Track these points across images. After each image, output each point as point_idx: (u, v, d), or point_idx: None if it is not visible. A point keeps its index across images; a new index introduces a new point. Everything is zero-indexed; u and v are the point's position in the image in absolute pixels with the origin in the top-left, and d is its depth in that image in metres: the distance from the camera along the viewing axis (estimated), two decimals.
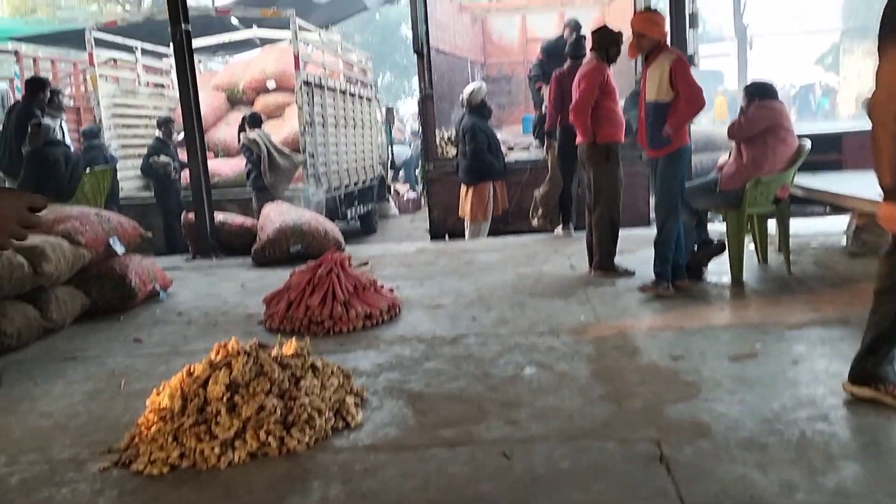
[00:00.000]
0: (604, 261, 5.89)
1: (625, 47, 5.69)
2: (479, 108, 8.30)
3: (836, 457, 2.70)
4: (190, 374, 3.22)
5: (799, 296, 5.01)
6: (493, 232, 8.50)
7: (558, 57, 9.55)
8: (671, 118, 5.08)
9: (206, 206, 7.92)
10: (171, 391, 3.17)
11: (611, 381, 3.60)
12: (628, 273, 5.81)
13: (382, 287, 5.33)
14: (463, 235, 8.82)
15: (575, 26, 9.97)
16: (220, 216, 8.19)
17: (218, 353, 3.32)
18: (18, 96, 10.56)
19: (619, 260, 5.96)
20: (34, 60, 12.97)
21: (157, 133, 10.06)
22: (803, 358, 3.80)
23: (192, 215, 8.05)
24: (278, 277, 5.79)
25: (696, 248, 5.59)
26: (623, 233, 6.04)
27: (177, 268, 7.33)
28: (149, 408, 3.17)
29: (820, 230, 7.12)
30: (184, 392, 3.13)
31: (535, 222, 7.87)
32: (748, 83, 6.09)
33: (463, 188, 8.49)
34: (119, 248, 5.73)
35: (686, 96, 5.04)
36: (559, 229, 7.89)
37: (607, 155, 5.85)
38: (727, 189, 5.38)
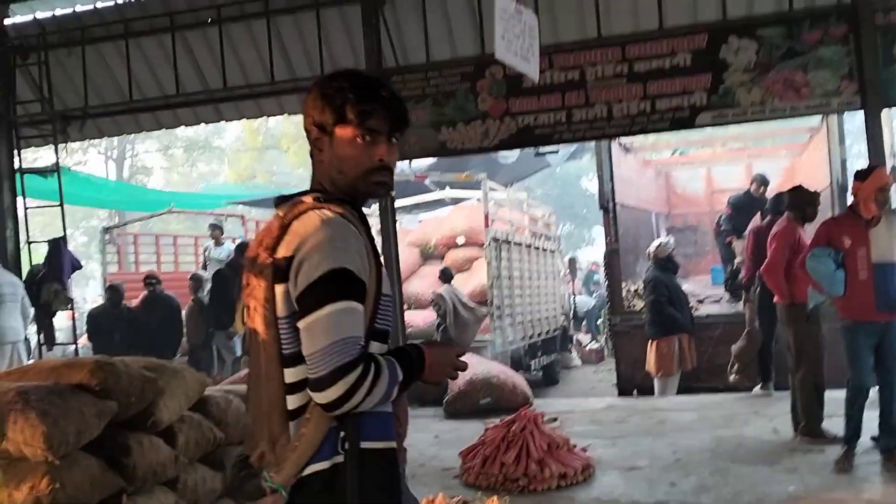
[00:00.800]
0: (810, 426, 5.60)
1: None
2: (664, 262, 8.34)
3: None
4: None
5: None
6: (685, 389, 8.28)
7: (746, 210, 9.52)
8: None
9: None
10: None
11: None
12: (838, 439, 5.46)
13: (575, 446, 5.34)
14: (652, 392, 8.65)
15: (762, 181, 9.93)
16: None
17: None
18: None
19: (828, 424, 5.63)
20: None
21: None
22: None
23: None
24: (471, 430, 5.95)
25: None
26: (830, 394, 5.73)
27: None
28: None
29: None
30: None
31: (731, 378, 7.62)
32: None
33: (649, 344, 8.44)
34: None
35: None
36: (758, 388, 7.58)
37: (807, 315, 5.68)
38: None
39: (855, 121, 10.16)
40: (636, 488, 4.73)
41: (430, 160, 14.03)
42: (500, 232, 10.96)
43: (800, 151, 13.00)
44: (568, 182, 32.48)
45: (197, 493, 4.22)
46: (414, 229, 13.57)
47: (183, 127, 10.18)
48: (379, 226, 8.17)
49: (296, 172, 24.91)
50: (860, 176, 5.12)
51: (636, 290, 10.46)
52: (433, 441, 6.49)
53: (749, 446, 5.62)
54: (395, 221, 8.53)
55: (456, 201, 13.81)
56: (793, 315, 5.73)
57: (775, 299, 5.96)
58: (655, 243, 8.69)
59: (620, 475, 5.08)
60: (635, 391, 9.20)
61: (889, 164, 7.39)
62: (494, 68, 7.70)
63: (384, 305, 1.76)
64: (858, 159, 17.37)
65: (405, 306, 10.69)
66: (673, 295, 8.27)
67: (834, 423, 5.69)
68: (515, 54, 5.29)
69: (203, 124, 10.10)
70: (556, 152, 10.55)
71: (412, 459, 5.84)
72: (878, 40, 6.91)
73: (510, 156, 14.78)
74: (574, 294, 16.30)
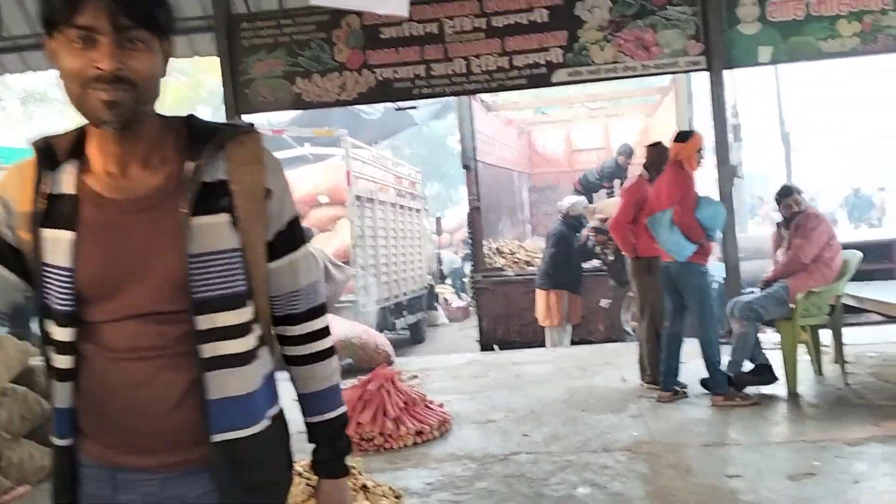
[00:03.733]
0: (655, 374, 5.84)
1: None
2: (573, 221, 8.46)
3: None
4: None
5: (857, 409, 4.88)
6: (579, 342, 8.65)
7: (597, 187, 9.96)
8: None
9: None
10: None
11: (667, 502, 3.53)
12: (681, 385, 5.73)
13: (433, 402, 5.35)
14: (513, 346, 8.84)
15: (628, 153, 10.14)
16: None
17: None
18: None
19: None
20: None
21: None
22: (864, 476, 3.69)
23: None
24: None
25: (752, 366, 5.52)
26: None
27: None
28: None
29: (877, 339, 6.97)
30: None
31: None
32: (782, 186, 6.06)
33: (538, 293, 8.58)
34: None
35: None
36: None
37: (648, 268, 5.88)
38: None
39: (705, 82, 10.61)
40: (490, 441, 4.78)
41: (290, 115, 13.64)
42: (364, 190, 10.78)
43: (652, 112, 13.48)
44: (435, 142, 32.50)
45: (24, 470, 3.92)
46: None
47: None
48: None
49: None
50: (682, 138, 5.53)
51: (497, 248, 10.60)
52: (291, 405, 6.32)
53: (599, 395, 5.81)
54: None
55: (318, 158, 13.49)
56: (637, 268, 5.92)
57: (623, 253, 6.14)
58: (568, 200, 8.82)
59: (476, 428, 5.12)
60: (496, 346, 9.36)
61: (730, 122, 7.77)
62: (351, 18, 7.48)
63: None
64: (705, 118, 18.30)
65: None
66: (572, 253, 8.42)
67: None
68: None
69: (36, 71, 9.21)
70: (415, 108, 10.44)
71: None
72: (723, 2, 7.17)
73: (374, 112, 14.56)
74: (440, 252, 16.37)
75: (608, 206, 7.66)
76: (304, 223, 11.34)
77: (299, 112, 12.67)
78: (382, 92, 7.71)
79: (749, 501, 3.45)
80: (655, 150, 6.04)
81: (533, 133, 15.21)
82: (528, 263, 10.29)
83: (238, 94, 7.83)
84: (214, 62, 8.29)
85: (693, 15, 7.21)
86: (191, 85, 20.98)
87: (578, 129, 15.03)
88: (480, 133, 10.75)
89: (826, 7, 7.06)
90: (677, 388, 5.53)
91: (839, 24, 7.06)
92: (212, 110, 23.28)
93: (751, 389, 5.39)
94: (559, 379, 6.47)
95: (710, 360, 5.34)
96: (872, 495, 3.44)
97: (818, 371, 5.90)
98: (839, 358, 5.63)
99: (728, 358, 5.44)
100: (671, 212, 5.30)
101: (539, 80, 7.52)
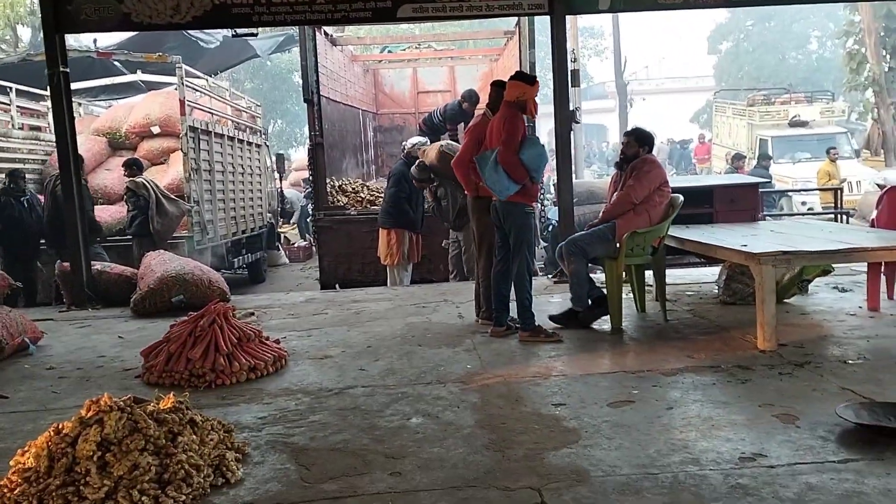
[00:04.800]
0: (489, 310, 5.98)
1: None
2: (413, 161, 8.31)
3: (707, 499, 2.82)
4: (58, 432, 3.06)
5: (674, 343, 5.24)
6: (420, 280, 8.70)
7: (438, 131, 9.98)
8: None
9: (83, 255, 7.60)
10: (36, 451, 2.99)
11: (495, 429, 3.65)
12: (514, 321, 5.91)
13: (268, 338, 5.23)
14: (355, 286, 8.81)
15: (474, 99, 10.11)
16: (97, 265, 7.87)
17: (89, 409, 3.16)
18: None
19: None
20: None
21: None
22: (677, 403, 3.97)
23: (66, 264, 7.70)
24: (159, 329, 5.60)
25: (590, 302, 5.78)
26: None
27: (49, 319, 6.97)
28: (12, 469, 2.99)
29: (695, 279, 7.49)
30: (51, 451, 2.97)
31: None
32: (632, 127, 6.40)
33: (380, 232, 8.51)
34: None
35: None
36: None
37: (488, 208, 5.95)
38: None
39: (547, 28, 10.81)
40: (326, 376, 4.75)
41: (119, 37, 12.70)
42: (199, 122, 10.27)
43: (497, 56, 13.63)
44: (279, 77, 31.48)
45: None
46: (101, 116, 12.27)
47: None
48: (49, 105, 7.23)
49: None
50: (529, 80, 5.60)
51: (340, 186, 10.45)
52: (115, 343, 6.02)
53: (435, 330, 5.90)
54: (70, 102, 7.58)
55: (151, 87, 12.69)
56: (477, 206, 5.98)
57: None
58: (412, 141, 8.69)
59: (312, 364, 5.07)
60: (337, 285, 9.30)
61: (569, 67, 7.96)
62: None
63: None
64: (544, 60, 18.74)
65: (93, 201, 9.72)
66: (413, 193, 8.34)
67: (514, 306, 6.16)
68: None
69: None
70: (255, 35, 9.97)
71: (89, 362, 5.38)
72: None
73: (212, 41, 13.83)
74: (282, 190, 15.96)
75: (430, 151, 7.67)
76: (136, 154, 10.72)
77: (130, 35, 11.83)
78: (220, 17, 7.33)
79: (571, 427, 3.62)
80: (498, 88, 6.07)
81: (379, 72, 15.01)
82: (371, 203, 10.23)
83: (60, 12, 7.18)
84: None
85: None
86: (7, 1, 19.02)
87: (424, 70, 14.99)
88: (324, 68, 10.46)
89: None
90: (511, 323, 5.71)
91: None
92: (31, 31, 21.30)
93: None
94: (397, 316, 6.52)
95: (521, 296, 5.54)
96: (683, 419, 3.70)
97: (640, 308, 6.27)
98: (660, 296, 6.00)
99: (570, 296, 5.73)
100: (497, 151, 5.38)
101: (384, 13, 7.39)
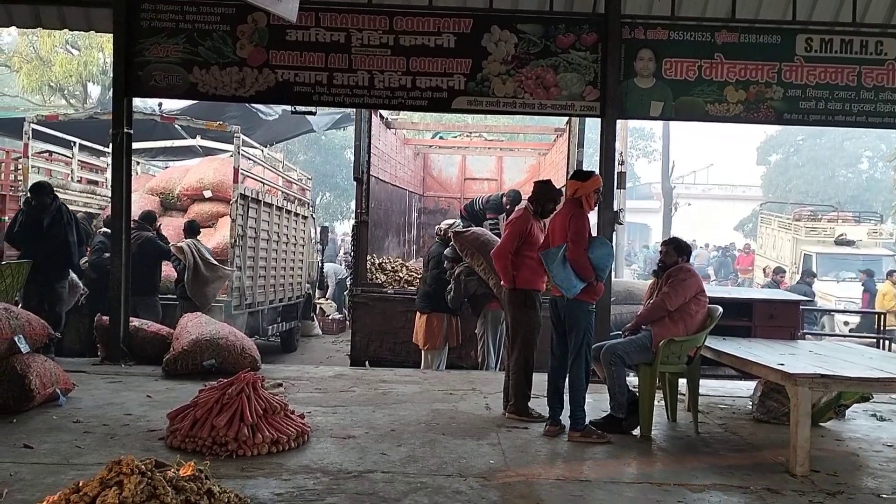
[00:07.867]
0: (518, 404, 5.92)
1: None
2: (449, 242, 8.39)
3: None
4: (77, 490, 3.07)
5: (703, 457, 5.10)
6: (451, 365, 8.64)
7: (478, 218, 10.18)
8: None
9: (122, 310, 7.73)
10: None
11: None
12: (542, 418, 5.83)
13: (293, 412, 5.22)
14: (383, 363, 8.79)
15: (516, 199, 10.27)
16: (135, 321, 7.98)
17: (111, 469, 3.17)
18: None
19: (533, 404, 5.99)
20: None
21: (104, 230, 9.64)
22: None
23: (106, 318, 7.83)
24: (188, 392, 5.62)
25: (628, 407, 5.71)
26: (539, 377, 6.09)
27: (82, 371, 7.05)
28: None
29: (730, 391, 7.34)
30: None
31: None
32: (671, 237, 6.46)
33: (418, 317, 8.54)
34: (24, 347, 5.52)
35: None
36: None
37: (525, 300, 5.97)
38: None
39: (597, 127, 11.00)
40: (347, 457, 4.71)
41: (183, 104, 13.19)
42: (250, 190, 10.53)
43: (546, 151, 13.85)
44: (332, 152, 32.21)
45: None
46: (157, 176, 12.66)
47: None
48: (110, 162, 7.50)
49: (27, 96, 22.33)
50: (583, 177, 5.69)
51: (380, 264, 10.55)
52: (143, 401, 6.05)
53: (461, 420, 5.83)
54: (129, 161, 7.85)
55: (208, 152, 13.11)
56: (514, 299, 6.00)
57: (501, 283, 6.21)
58: (447, 222, 8.82)
59: (335, 443, 5.03)
60: (367, 362, 9.28)
61: (617, 169, 8.06)
62: (258, 15, 7.36)
63: None
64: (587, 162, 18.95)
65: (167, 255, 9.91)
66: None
67: (539, 403, 6.07)
68: None
69: None
70: (314, 113, 10.31)
71: (115, 419, 5.41)
72: (622, 53, 7.47)
73: (272, 113, 14.29)
74: (322, 262, 16.15)
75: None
76: (185, 216, 10.99)
77: (194, 102, 12.29)
78: (281, 93, 7.60)
79: None
80: (542, 186, 6.18)
81: (429, 156, 15.33)
82: (408, 283, 10.29)
83: (130, 76, 7.53)
84: (110, 39, 7.95)
85: (594, 62, 7.48)
86: (81, 60, 19.96)
87: (473, 158, 15.29)
88: (376, 148, 10.72)
89: (716, 72, 7.49)
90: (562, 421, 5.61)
91: (727, 90, 7.51)
92: (100, 89, 22.22)
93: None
94: (424, 401, 6.46)
95: (575, 397, 5.46)
96: None
97: (672, 417, 6.14)
98: (693, 407, 5.89)
99: (611, 402, 5.65)
100: (565, 248, 5.41)
101: (439, 104, 7.60)
